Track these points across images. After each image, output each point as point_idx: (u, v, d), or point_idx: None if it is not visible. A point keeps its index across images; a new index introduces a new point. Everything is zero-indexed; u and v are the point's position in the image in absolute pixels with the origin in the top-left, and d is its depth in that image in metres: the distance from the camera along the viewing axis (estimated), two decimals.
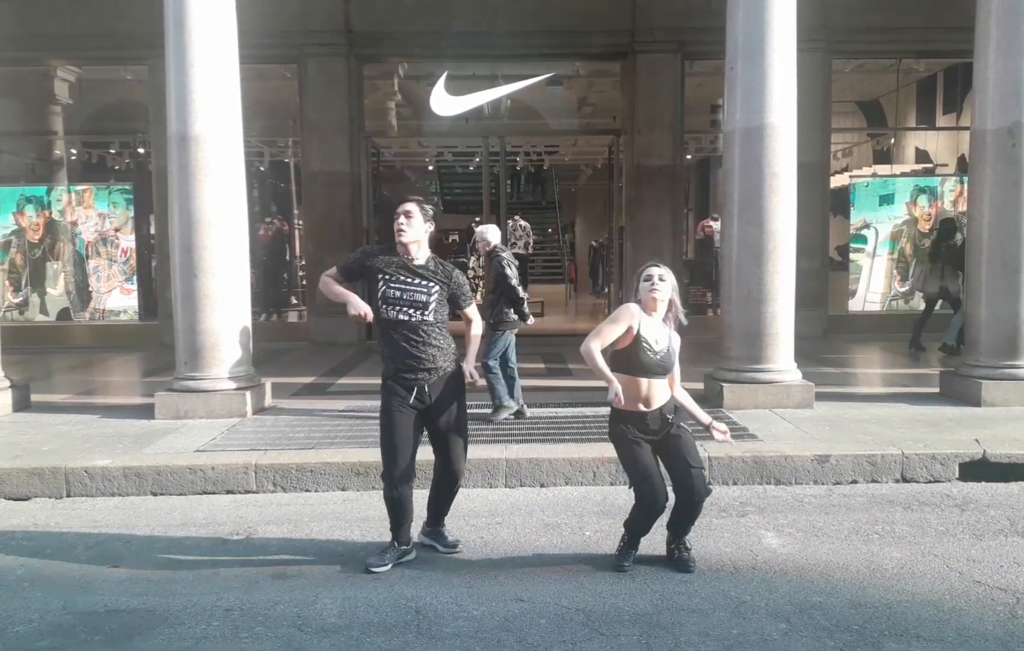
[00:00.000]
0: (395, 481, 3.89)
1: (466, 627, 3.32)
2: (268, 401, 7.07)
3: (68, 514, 4.93)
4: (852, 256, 12.22)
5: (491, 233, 6.67)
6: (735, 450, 5.34)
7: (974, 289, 6.94)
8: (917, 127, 13.82)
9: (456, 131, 13.69)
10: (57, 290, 12.06)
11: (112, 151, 13.34)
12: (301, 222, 13.25)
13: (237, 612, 3.50)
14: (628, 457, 3.85)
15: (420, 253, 3.94)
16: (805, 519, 4.62)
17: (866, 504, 4.88)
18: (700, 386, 7.06)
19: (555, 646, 3.16)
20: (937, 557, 4.01)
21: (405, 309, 3.87)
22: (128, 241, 11.97)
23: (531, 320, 6.64)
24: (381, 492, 4.03)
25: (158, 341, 11.03)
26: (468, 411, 4.13)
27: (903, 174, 12.80)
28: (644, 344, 3.74)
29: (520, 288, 6.48)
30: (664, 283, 3.80)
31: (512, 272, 6.42)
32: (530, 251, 18.56)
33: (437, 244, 4.45)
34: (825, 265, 11.83)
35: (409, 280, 3.89)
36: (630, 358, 3.74)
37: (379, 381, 4.01)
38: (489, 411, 6.43)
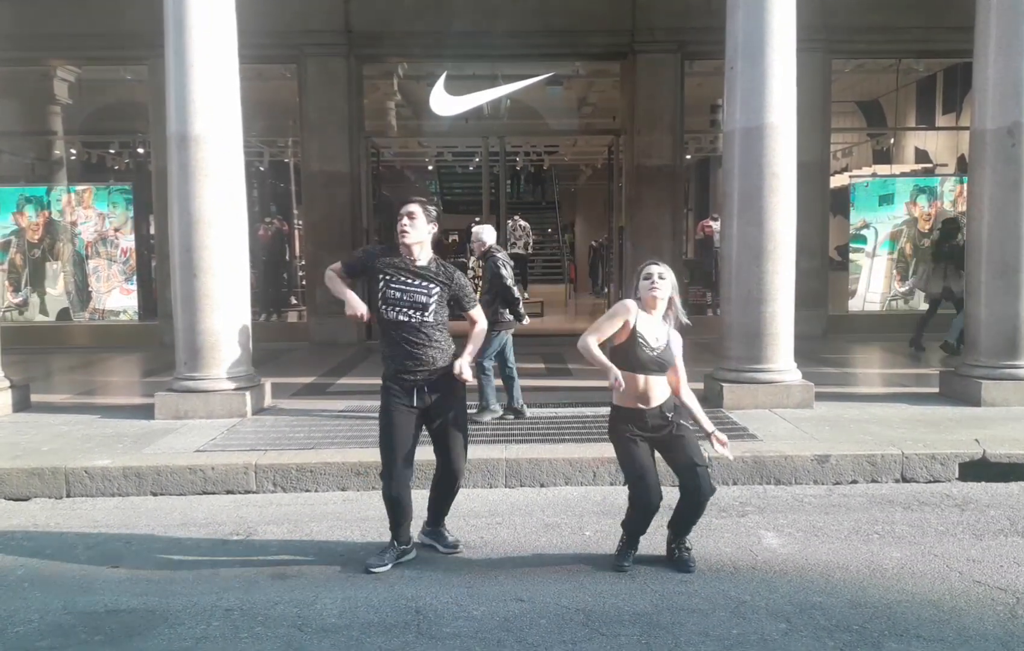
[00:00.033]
0: (394, 480, 3.89)
1: (466, 627, 3.32)
2: (268, 401, 7.07)
3: (68, 514, 4.93)
4: (852, 256, 12.21)
5: (486, 233, 6.66)
6: (735, 450, 5.31)
7: (974, 289, 6.94)
8: (917, 127, 13.81)
9: (456, 131, 13.69)
10: (57, 290, 12.05)
11: (112, 151, 13.32)
12: (301, 222, 13.25)
13: (237, 612, 3.50)
14: (625, 455, 3.85)
15: (422, 254, 3.95)
16: (805, 519, 4.62)
17: (866, 504, 4.88)
18: (700, 386, 7.04)
19: (555, 646, 3.16)
20: (937, 557, 4.01)
21: (405, 310, 3.87)
22: (128, 241, 11.96)
23: (527, 320, 6.63)
24: (381, 492, 4.04)
25: (158, 341, 11.03)
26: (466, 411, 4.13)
27: (903, 174, 12.80)
28: (640, 340, 3.75)
29: (515, 288, 6.47)
30: (664, 281, 3.80)
31: (507, 272, 6.40)
32: (530, 251, 18.57)
33: (437, 244, 4.46)
34: (825, 265, 11.83)
35: (410, 281, 3.89)
36: (627, 354, 3.74)
37: (379, 381, 4.02)
38: (474, 411, 6.41)
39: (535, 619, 3.38)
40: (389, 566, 3.93)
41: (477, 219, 12.66)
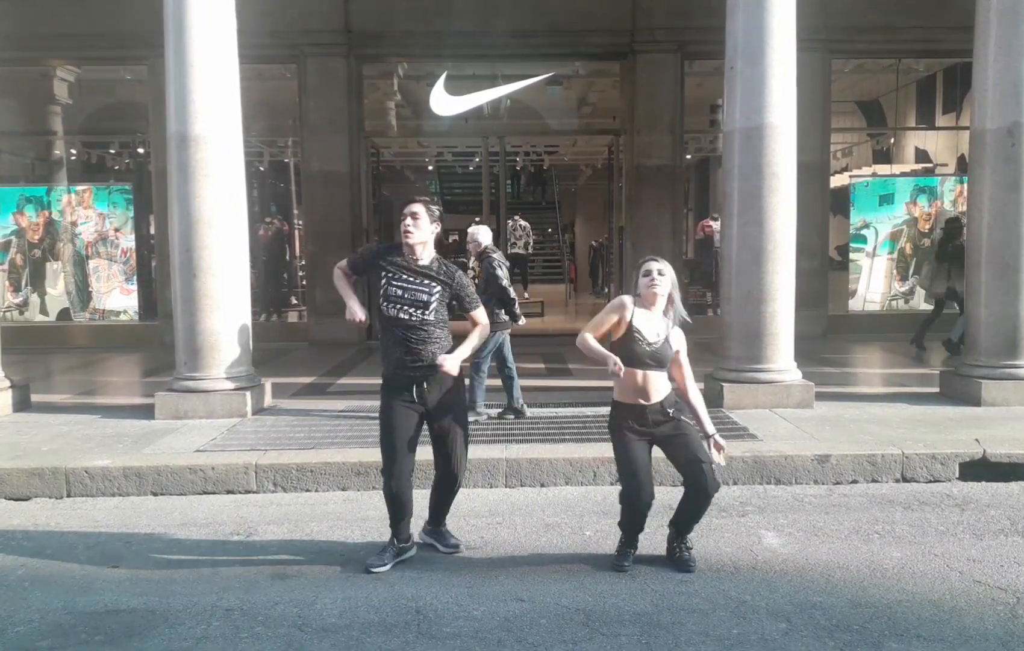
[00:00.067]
0: (394, 476, 3.90)
1: (466, 627, 3.32)
2: (268, 401, 7.08)
3: (68, 514, 4.93)
4: (852, 256, 12.22)
5: (482, 234, 6.64)
6: (735, 450, 5.33)
7: (974, 289, 6.94)
8: (917, 127, 13.82)
9: (456, 131, 13.69)
10: (57, 290, 12.05)
11: (112, 151, 13.33)
12: (301, 222, 13.26)
13: (237, 612, 3.50)
14: (621, 451, 3.86)
15: (425, 254, 3.96)
16: (805, 519, 4.62)
17: (866, 504, 4.88)
18: (700, 386, 7.01)
19: (555, 646, 3.16)
20: (937, 557, 4.01)
21: (406, 308, 3.88)
22: (128, 241, 11.96)
23: (523, 320, 6.62)
24: (381, 492, 4.04)
25: (158, 341, 11.04)
26: (476, 407, 4.14)
27: (903, 174, 12.80)
28: (636, 335, 3.75)
29: (511, 289, 6.46)
30: (663, 277, 3.80)
31: (503, 273, 6.40)
32: (530, 251, 18.57)
33: (438, 244, 4.45)
34: (825, 265, 11.83)
35: (412, 279, 3.91)
36: (625, 349, 3.75)
37: (379, 381, 4.02)
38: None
39: (535, 619, 3.38)
40: (389, 565, 3.93)
41: (477, 219, 12.66)
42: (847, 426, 6.09)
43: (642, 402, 3.79)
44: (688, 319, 3.94)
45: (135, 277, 12.00)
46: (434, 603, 3.56)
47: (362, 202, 11.98)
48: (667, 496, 4.65)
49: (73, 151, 12.90)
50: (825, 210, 11.79)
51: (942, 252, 9.94)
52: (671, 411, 3.83)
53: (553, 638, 3.22)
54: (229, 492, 5.25)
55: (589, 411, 6.59)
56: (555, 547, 4.25)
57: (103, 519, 4.81)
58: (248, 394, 6.62)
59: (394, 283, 3.90)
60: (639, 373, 3.76)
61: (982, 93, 6.77)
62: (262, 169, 14.29)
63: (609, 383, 3.93)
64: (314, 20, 11.26)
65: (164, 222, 8.13)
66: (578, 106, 14.68)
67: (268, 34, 10.06)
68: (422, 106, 12.89)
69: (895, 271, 12.24)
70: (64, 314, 12.07)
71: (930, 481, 5.28)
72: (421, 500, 4.14)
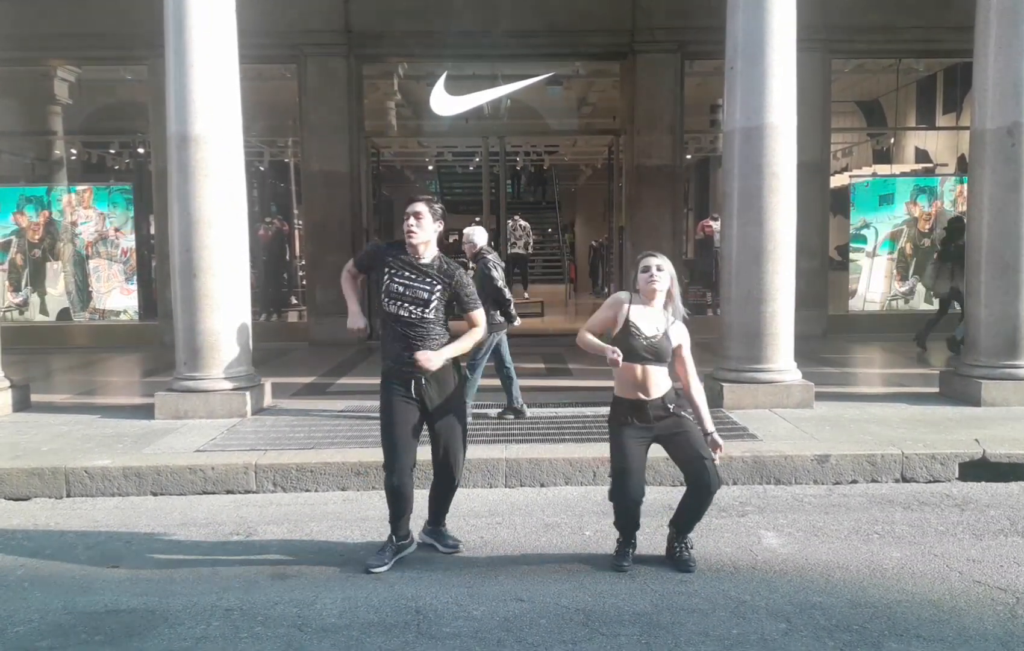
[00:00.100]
0: (396, 471, 3.90)
1: (466, 627, 3.32)
2: (268, 401, 7.08)
3: (68, 514, 4.93)
4: (852, 256, 12.21)
5: (477, 235, 6.63)
6: (735, 450, 5.34)
7: (974, 289, 6.94)
8: (917, 127, 13.82)
9: (456, 131, 13.69)
10: (57, 290, 12.05)
11: (112, 151, 13.33)
12: (301, 222, 13.25)
13: (237, 612, 3.50)
14: (616, 447, 3.86)
15: (428, 252, 3.96)
16: (805, 519, 4.62)
17: (866, 504, 4.88)
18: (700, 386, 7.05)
19: (555, 646, 3.16)
20: (937, 557, 4.01)
21: (406, 305, 3.89)
22: (128, 241, 11.96)
23: (518, 321, 6.60)
24: (381, 493, 4.05)
25: (158, 341, 11.04)
26: (467, 411, 4.14)
27: (903, 174, 12.80)
28: (633, 329, 3.76)
29: (506, 290, 6.45)
30: (662, 272, 3.80)
31: (498, 274, 6.38)
32: (530, 251, 18.57)
33: (439, 244, 4.47)
34: (825, 265, 11.83)
35: (413, 277, 3.91)
36: (623, 344, 3.75)
37: (379, 381, 4.02)
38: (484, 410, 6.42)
39: (535, 619, 3.39)
40: (390, 564, 3.93)
41: (477, 219, 12.67)
42: (847, 426, 6.09)
43: (642, 397, 3.79)
44: (685, 315, 3.93)
45: (135, 277, 12.00)
46: (434, 603, 3.56)
47: (362, 202, 11.97)
48: (667, 496, 4.65)
49: (73, 151, 12.90)
50: (825, 210, 11.79)
51: (945, 252, 9.92)
52: (672, 407, 3.82)
53: (553, 638, 3.22)
54: (229, 492, 5.25)
55: (589, 411, 6.59)
56: (555, 547, 4.25)
57: (103, 519, 4.81)
58: (248, 394, 6.62)
59: (396, 279, 3.91)
60: (638, 367, 3.76)
61: (982, 93, 6.77)
62: (262, 169, 14.29)
63: (609, 383, 3.93)
64: (314, 20, 11.26)
65: (164, 222, 8.13)
66: (578, 106, 14.68)
67: (268, 34, 10.05)
68: (422, 106, 12.89)
69: (895, 271, 12.24)
70: (64, 314, 12.07)
71: (930, 481, 5.28)
72: (420, 500, 4.14)
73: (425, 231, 3.92)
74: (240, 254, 6.78)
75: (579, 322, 14.51)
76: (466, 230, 6.75)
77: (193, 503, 5.09)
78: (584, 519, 4.65)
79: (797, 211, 6.76)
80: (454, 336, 4.03)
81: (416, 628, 3.33)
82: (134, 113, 12.33)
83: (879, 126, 13.66)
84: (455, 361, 4.04)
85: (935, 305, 10.44)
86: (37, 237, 11.97)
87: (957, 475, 5.30)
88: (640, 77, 11.55)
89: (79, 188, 12.05)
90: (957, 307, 9.70)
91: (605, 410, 4.04)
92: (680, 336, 3.87)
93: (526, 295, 17.20)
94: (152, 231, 12.25)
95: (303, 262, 13.14)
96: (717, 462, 3.85)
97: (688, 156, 13.97)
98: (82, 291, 12.03)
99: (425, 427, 4.02)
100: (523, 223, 17.65)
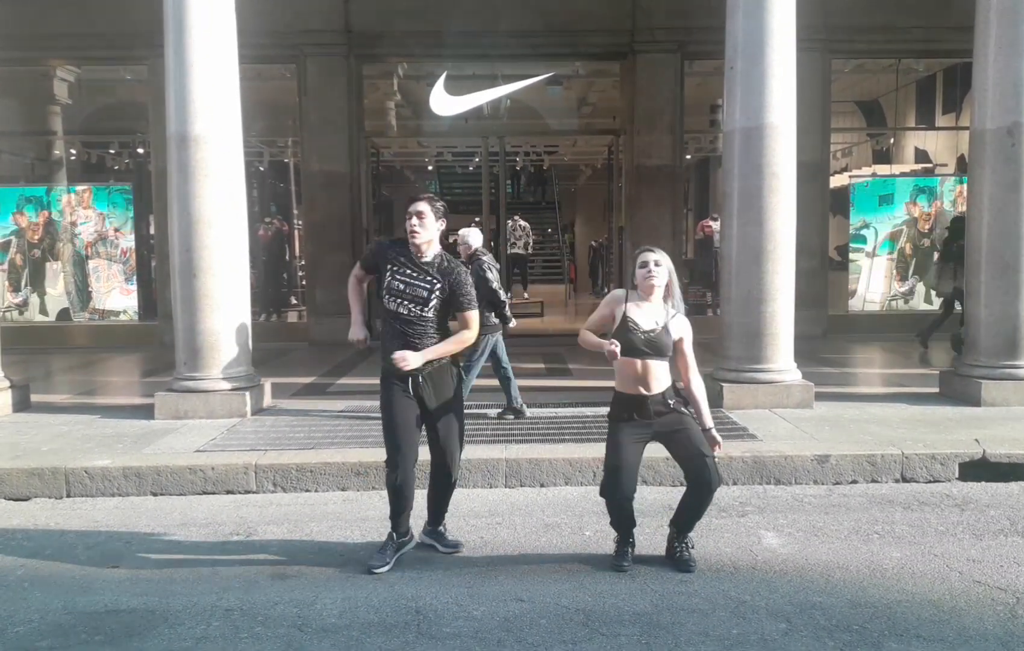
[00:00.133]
0: (398, 467, 3.90)
1: (466, 627, 3.32)
2: (268, 401, 7.08)
3: (68, 514, 4.93)
4: (852, 256, 12.21)
5: (472, 237, 6.61)
6: (735, 450, 5.34)
7: (974, 289, 6.94)
8: (917, 127, 13.82)
9: (456, 131, 13.69)
10: (57, 290, 12.05)
11: (112, 151, 13.33)
12: (301, 222, 13.25)
13: (237, 612, 3.50)
14: (612, 444, 3.86)
15: (430, 251, 3.97)
16: (805, 519, 4.62)
17: (866, 504, 4.88)
18: None
19: (555, 646, 3.16)
20: (937, 557, 4.02)
21: (406, 303, 3.90)
22: (128, 241, 11.95)
23: (513, 323, 6.59)
24: (381, 493, 4.06)
25: (158, 341, 11.03)
26: (466, 411, 4.14)
27: (903, 174, 12.80)
28: (631, 324, 3.77)
29: (501, 291, 6.44)
30: (660, 268, 3.81)
31: (493, 276, 6.37)
32: (530, 251, 18.57)
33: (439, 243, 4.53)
34: (825, 265, 11.83)
35: (414, 275, 3.92)
36: (621, 340, 3.75)
37: (379, 381, 4.02)
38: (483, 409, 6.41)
39: (535, 619, 3.39)
40: (391, 563, 3.93)
41: (476, 220, 12.67)
42: (847, 426, 6.09)
43: (643, 392, 3.78)
44: (683, 308, 3.94)
45: (135, 277, 11.99)
46: (434, 603, 3.56)
47: (362, 202, 11.97)
48: (667, 496, 4.66)
49: (73, 151, 12.90)
50: (825, 210, 11.79)
51: (947, 251, 9.90)
52: (672, 402, 3.82)
53: (553, 638, 3.22)
54: (229, 492, 5.25)
55: (589, 411, 6.59)
56: (555, 547, 4.25)
57: (103, 519, 4.81)
58: (248, 394, 6.62)
59: (397, 277, 3.92)
60: (637, 362, 3.76)
61: (982, 93, 6.77)
62: (262, 169, 14.29)
63: (609, 383, 3.93)
64: (314, 20, 11.25)
65: (164, 222, 8.13)
66: (578, 106, 14.68)
67: (268, 34, 10.06)
68: (422, 106, 12.89)
69: (895, 271, 12.24)
70: (64, 314, 12.06)
71: (930, 481, 5.28)
72: (420, 499, 4.14)
73: (428, 230, 3.93)
74: (240, 254, 6.78)
75: (579, 322, 14.50)
76: (461, 231, 6.75)
77: (193, 503, 5.09)
78: (584, 519, 4.65)
79: (797, 211, 6.76)
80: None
81: (416, 628, 3.33)
82: (134, 113, 12.33)
83: (879, 126, 13.66)
84: (453, 360, 4.05)
85: (937, 305, 10.41)
86: (37, 237, 11.96)
87: (957, 475, 5.30)
88: (640, 77, 11.55)
89: (79, 188, 12.04)
90: (959, 307, 9.69)
91: (605, 410, 4.04)
92: (681, 329, 3.86)
93: (526, 295, 17.19)
94: (152, 231, 12.24)
95: (303, 262, 13.14)
96: (716, 459, 3.85)
97: (688, 156, 13.97)
98: (82, 291, 12.03)
99: (423, 426, 4.02)
100: (523, 223, 17.65)
